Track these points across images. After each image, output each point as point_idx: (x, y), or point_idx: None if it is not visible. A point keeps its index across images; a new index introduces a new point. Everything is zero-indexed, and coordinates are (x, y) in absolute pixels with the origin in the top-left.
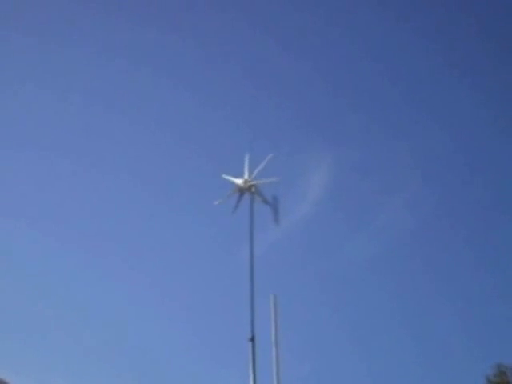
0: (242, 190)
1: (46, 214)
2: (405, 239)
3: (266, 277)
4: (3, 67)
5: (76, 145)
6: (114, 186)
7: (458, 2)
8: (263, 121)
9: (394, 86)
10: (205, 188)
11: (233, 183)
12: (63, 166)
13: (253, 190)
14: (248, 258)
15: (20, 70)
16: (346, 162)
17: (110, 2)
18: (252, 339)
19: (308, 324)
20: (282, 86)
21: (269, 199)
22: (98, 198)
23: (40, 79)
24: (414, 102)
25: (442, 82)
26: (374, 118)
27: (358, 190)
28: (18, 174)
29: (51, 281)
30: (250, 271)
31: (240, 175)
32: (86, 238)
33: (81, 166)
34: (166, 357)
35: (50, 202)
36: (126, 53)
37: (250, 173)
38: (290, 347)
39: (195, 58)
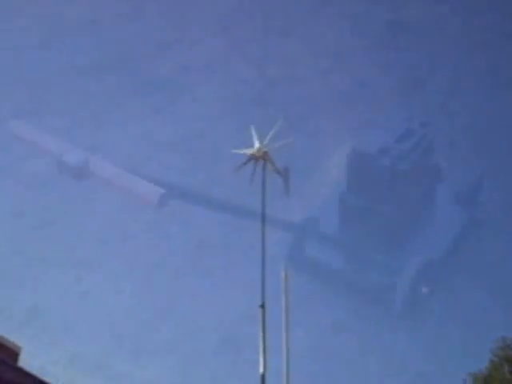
0: (256, 158)
1: None
2: None
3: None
4: None
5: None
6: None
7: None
8: (285, 103)
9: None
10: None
11: (245, 154)
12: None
13: (266, 158)
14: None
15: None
16: (366, 146)
17: None
18: (262, 306)
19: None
20: (303, 72)
21: (280, 169)
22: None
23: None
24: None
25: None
26: (391, 103)
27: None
28: None
29: None
30: (261, 240)
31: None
32: None
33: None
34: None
35: None
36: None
37: (261, 141)
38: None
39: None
